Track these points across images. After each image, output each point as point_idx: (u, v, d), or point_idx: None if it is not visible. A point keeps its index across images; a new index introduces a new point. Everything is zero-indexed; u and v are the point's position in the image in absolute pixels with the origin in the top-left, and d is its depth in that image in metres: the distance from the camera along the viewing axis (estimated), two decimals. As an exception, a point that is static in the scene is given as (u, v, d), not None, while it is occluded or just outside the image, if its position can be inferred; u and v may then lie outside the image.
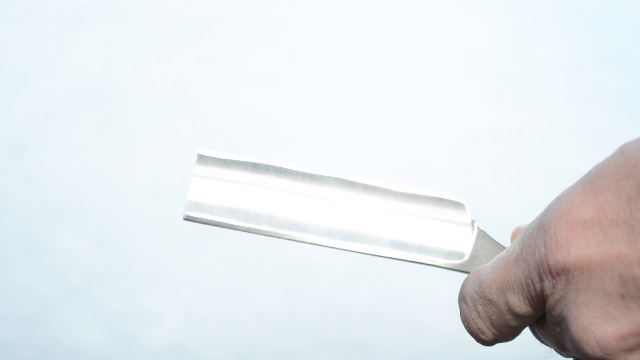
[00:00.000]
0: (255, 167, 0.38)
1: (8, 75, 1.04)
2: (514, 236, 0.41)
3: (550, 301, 0.32)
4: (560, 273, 0.31)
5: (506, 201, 0.97)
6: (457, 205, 0.40)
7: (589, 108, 1.00)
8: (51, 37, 1.04)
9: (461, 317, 0.37)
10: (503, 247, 0.40)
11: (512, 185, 0.98)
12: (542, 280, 0.32)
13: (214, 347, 0.96)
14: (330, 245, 0.39)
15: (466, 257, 0.39)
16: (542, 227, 0.31)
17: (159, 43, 1.04)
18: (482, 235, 0.40)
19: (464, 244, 0.39)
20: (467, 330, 0.37)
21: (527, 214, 0.99)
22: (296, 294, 0.97)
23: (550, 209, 0.32)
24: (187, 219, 0.37)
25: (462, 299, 0.37)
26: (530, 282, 0.32)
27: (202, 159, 0.38)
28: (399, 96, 1.02)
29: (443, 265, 0.39)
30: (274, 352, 0.96)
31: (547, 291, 0.32)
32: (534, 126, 1.00)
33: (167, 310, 0.97)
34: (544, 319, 0.34)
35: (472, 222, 0.40)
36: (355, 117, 1.02)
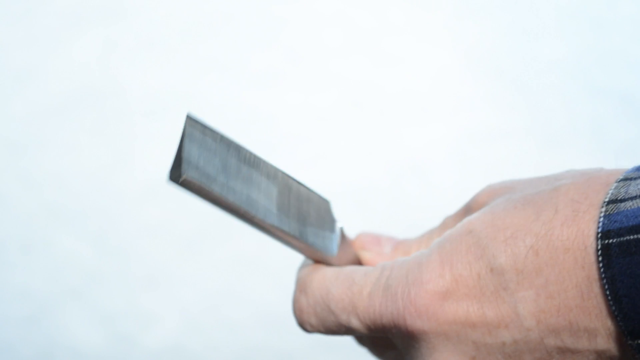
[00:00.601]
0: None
1: (6, 74, 1.04)
2: (358, 243, 0.44)
3: (399, 344, 0.36)
4: (416, 334, 0.35)
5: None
6: (325, 202, 0.40)
7: (589, 108, 1.00)
8: (50, 36, 1.04)
9: (294, 304, 0.41)
10: (356, 256, 0.41)
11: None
12: (392, 329, 0.36)
13: (213, 348, 0.96)
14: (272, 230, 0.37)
15: (335, 254, 0.41)
16: (405, 287, 0.35)
17: (159, 42, 1.04)
18: (344, 237, 0.41)
19: (333, 242, 0.41)
20: (295, 315, 0.41)
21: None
22: (296, 294, 0.97)
23: (410, 271, 0.35)
24: (183, 182, 0.33)
25: (302, 290, 0.40)
26: (379, 322, 0.36)
27: (192, 123, 0.34)
28: (398, 96, 1.02)
29: (319, 257, 0.40)
30: (273, 352, 0.96)
31: (396, 339, 0.36)
32: (534, 126, 1.00)
33: (167, 310, 0.97)
34: (381, 342, 0.38)
35: (336, 222, 0.41)
36: (354, 117, 1.01)
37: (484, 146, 0.99)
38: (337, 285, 0.38)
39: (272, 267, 0.97)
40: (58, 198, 1.00)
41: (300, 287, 0.40)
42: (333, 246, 0.41)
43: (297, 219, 0.38)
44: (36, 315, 0.97)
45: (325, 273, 0.40)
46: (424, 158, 1.00)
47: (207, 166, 0.34)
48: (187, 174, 0.33)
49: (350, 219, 0.99)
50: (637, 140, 0.99)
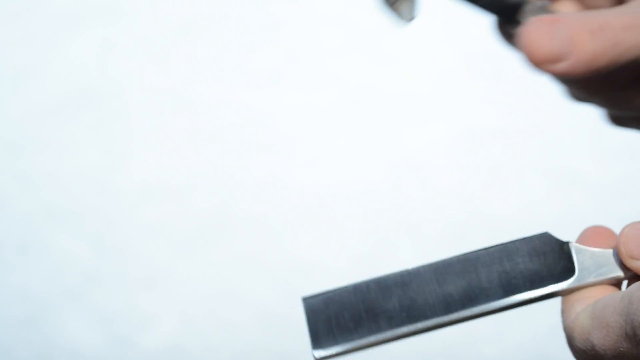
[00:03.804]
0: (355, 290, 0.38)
1: (4, 74, 1.03)
2: (624, 249, 0.35)
3: None
4: None
5: (506, 201, 0.97)
6: (543, 236, 0.38)
7: (589, 108, 1.00)
8: (48, 37, 1.04)
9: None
10: (605, 251, 0.37)
11: (512, 185, 0.97)
12: None
13: (211, 349, 0.95)
14: (455, 319, 0.36)
15: (576, 273, 0.37)
16: None
17: (157, 42, 1.04)
18: (579, 249, 0.38)
19: (568, 265, 0.38)
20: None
21: (527, 214, 0.99)
22: (294, 294, 0.96)
23: None
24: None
25: (571, 343, 0.34)
26: None
27: (308, 300, 0.36)
28: (398, 96, 1.02)
29: (558, 290, 0.37)
30: (271, 354, 0.95)
31: None
32: (534, 126, 1.00)
33: (165, 311, 0.97)
34: None
35: (563, 243, 0.38)
36: (353, 117, 1.01)
37: (484, 146, 0.99)
38: (595, 336, 0.33)
39: (271, 268, 0.96)
40: (55, 199, 0.99)
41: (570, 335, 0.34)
42: (571, 269, 0.37)
43: (499, 284, 0.37)
44: (34, 316, 0.96)
45: (580, 325, 0.33)
46: (424, 158, 0.99)
47: (338, 328, 0.36)
48: (317, 353, 0.35)
49: (350, 219, 0.99)
50: (637, 140, 0.99)
